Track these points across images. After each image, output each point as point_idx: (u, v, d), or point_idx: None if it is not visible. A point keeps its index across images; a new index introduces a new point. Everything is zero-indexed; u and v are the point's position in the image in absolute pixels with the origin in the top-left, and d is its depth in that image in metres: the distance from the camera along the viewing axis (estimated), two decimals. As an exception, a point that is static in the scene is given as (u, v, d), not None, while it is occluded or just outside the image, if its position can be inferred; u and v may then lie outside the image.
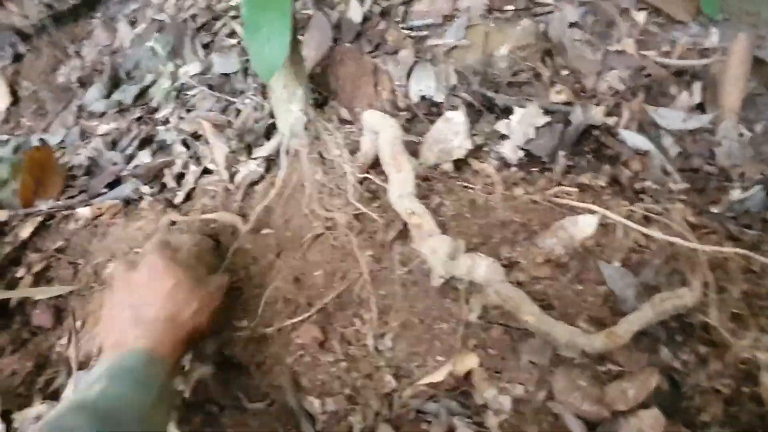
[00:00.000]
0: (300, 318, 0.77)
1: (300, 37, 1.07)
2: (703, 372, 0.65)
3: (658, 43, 1.11)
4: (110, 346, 0.62)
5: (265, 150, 0.94)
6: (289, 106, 0.85)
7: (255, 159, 0.95)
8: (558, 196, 0.78)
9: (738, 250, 0.68)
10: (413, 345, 0.72)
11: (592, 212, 0.73)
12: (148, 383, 0.57)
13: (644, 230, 0.70)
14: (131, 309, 0.64)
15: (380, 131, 0.80)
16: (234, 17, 1.35)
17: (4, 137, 1.35)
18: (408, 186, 0.74)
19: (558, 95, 0.98)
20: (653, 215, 0.76)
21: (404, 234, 0.81)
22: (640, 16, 1.13)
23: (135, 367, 0.57)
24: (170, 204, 1.02)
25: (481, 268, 0.66)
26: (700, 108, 1.00)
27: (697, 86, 1.02)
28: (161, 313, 0.63)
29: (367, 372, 0.70)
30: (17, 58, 1.49)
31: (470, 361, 0.68)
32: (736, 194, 0.86)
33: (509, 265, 0.73)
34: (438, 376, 0.67)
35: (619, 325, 0.64)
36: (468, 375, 0.68)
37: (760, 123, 0.97)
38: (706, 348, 0.67)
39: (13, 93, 1.44)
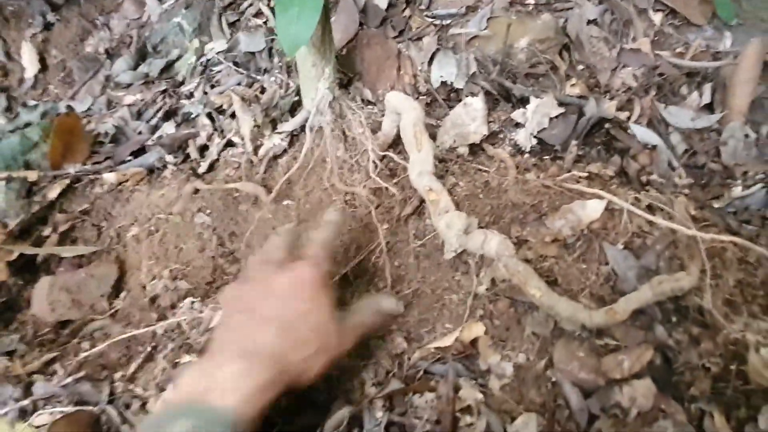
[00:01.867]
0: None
1: (327, 20, 1.10)
2: (694, 350, 0.69)
3: (672, 44, 1.14)
4: (193, 383, 0.52)
5: (290, 125, 0.98)
6: (317, 83, 0.89)
7: (279, 133, 0.99)
8: (568, 182, 0.82)
9: (735, 239, 0.72)
10: (424, 312, 0.77)
11: (599, 198, 0.77)
12: None
13: (648, 216, 0.74)
14: (243, 331, 0.55)
15: (403, 112, 0.84)
16: (261, -3, 1.39)
17: (33, 102, 1.40)
18: (427, 164, 0.78)
19: (573, 88, 1.02)
20: (657, 204, 0.80)
21: (419, 210, 0.85)
22: (657, 17, 1.16)
23: None
24: (194, 173, 1.06)
25: (493, 242, 0.70)
26: (709, 108, 1.04)
27: (707, 87, 1.05)
28: (271, 349, 0.54)
29: (380, 334, 0.75)
30: (47, 26, 1.52)
31: (477, 330, 0.73)
32: (737, 191, 0.90)
33: (518, 243, 0.77)
34: (446, 341, 0.72)
35: (619, 303, 0.69)
36: (474, 342, 0.73)
37: (766, 125, 1.00)
38: (699, 329, 0.71)
39: (42, 60, 1.48)
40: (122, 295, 0.95)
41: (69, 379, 0.75)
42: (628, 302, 0.68)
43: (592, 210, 0.76)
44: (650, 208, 0.80)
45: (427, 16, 1.11)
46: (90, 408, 0.70)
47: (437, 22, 1.10)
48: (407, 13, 1.12)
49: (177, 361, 0.74)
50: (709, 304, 0.71)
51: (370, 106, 0.98)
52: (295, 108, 1.04)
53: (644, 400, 0.63)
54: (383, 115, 0.94)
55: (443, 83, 1.02)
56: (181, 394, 0.53)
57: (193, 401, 0.50)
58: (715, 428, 0.65)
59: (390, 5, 1.14)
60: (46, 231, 1.05)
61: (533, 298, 0.69)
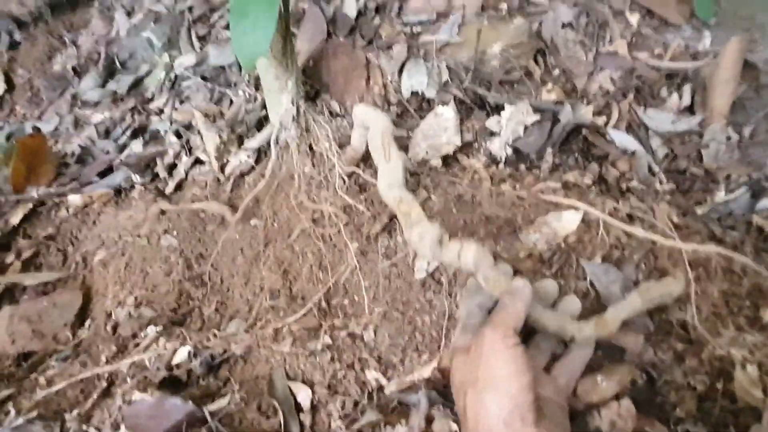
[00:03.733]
0: (300, 314, 0.78)
1: (294, 30, 1.07)
2: (679, 368, 0.65)
3: (650, 45, 1.12)
4: None
5: (255, 141, 0.95)
6: (280, 97, 0.86)
7: (245, 150, 0.95)
8: (543, 193, 0.78)
9: (719, 249, 0.68)
10: (394, 336, 0.72)
11: (575, 209, 0.73)
12: None
13: (625, 227, 0.70)
14: None
15: (370, 124, 0.80)
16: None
17: (-2, 124, 1.35)
18: (397, 175, 0.75)
19: (549, 94, 0.99)
20: (637, 214, 0.76)
21: (390, 227, 0.81)
22: (634, 18, 1.14)
23: None
24: (161, 193, 1.02)
25: (470, 252, 0.65)
26: (690, 110, 1.01)
27: (687, 88, 1.02)
28: None
29: (350, 362, 0.70)
30: (13, 45, 1.49)
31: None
32: (720, 196, 0.87)
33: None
34: (425, 373, 0.67)
35: (607, 312, 0.64)
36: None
37: (748, 126, 0.98)
38: (684, 345, 0.67)
39: (8, 80, 1.44)
40: (87, 323, 0.90)
41: (20, 420, 0.70)
42: (617, 311, 0.63)
43: (567, 222, 0.72)
44: (630, 218, 0.77)
45: (397, 24, 1.08)
46: (39, 453, 0.65)
47: (408, 30, 1.07)
48: (377, 21, 1.09)
49: (132, 399, 0.69)
50: (694, 318, 0.67)
51: (338, 119, 0.95)
52: (262, 123, 1.01)
53: (623, 423, 0.59)
54: (352, 129, 0.90)
55: (414, 93, 0.98)
56: None
57: None
58: (703, 450, 0.61)
59: (360, 14, 1.11)
60: (9, 258, 1.00)
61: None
